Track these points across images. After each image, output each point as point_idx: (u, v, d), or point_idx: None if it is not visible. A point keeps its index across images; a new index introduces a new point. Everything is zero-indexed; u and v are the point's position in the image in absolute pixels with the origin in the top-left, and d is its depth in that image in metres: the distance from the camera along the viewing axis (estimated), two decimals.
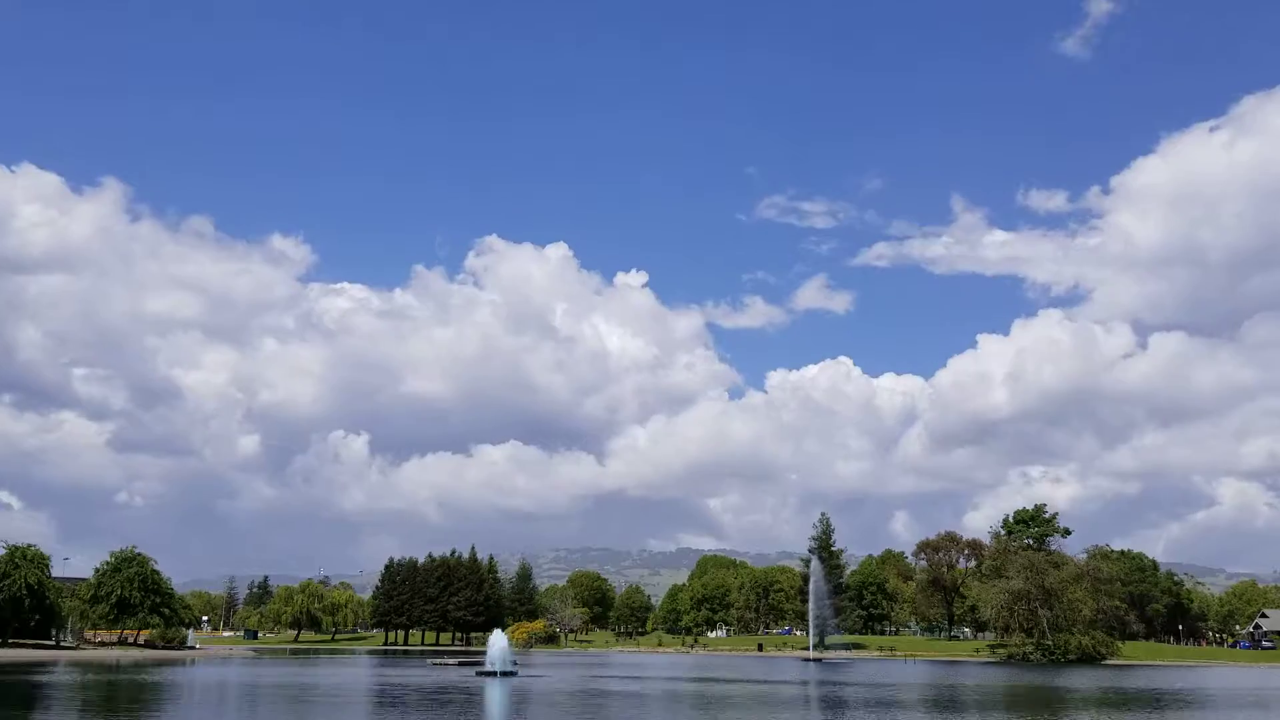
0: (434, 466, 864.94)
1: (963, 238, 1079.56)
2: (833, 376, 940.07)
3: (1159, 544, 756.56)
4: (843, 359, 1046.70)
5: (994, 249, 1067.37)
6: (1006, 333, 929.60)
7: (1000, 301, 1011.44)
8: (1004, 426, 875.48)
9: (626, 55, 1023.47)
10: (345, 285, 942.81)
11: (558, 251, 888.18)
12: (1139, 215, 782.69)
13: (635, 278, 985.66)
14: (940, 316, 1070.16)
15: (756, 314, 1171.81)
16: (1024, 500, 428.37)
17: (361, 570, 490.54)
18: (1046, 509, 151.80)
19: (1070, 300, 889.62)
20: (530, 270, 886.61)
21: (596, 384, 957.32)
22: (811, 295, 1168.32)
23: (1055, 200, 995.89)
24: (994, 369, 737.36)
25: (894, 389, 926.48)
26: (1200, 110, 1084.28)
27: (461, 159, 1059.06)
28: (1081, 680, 71.32)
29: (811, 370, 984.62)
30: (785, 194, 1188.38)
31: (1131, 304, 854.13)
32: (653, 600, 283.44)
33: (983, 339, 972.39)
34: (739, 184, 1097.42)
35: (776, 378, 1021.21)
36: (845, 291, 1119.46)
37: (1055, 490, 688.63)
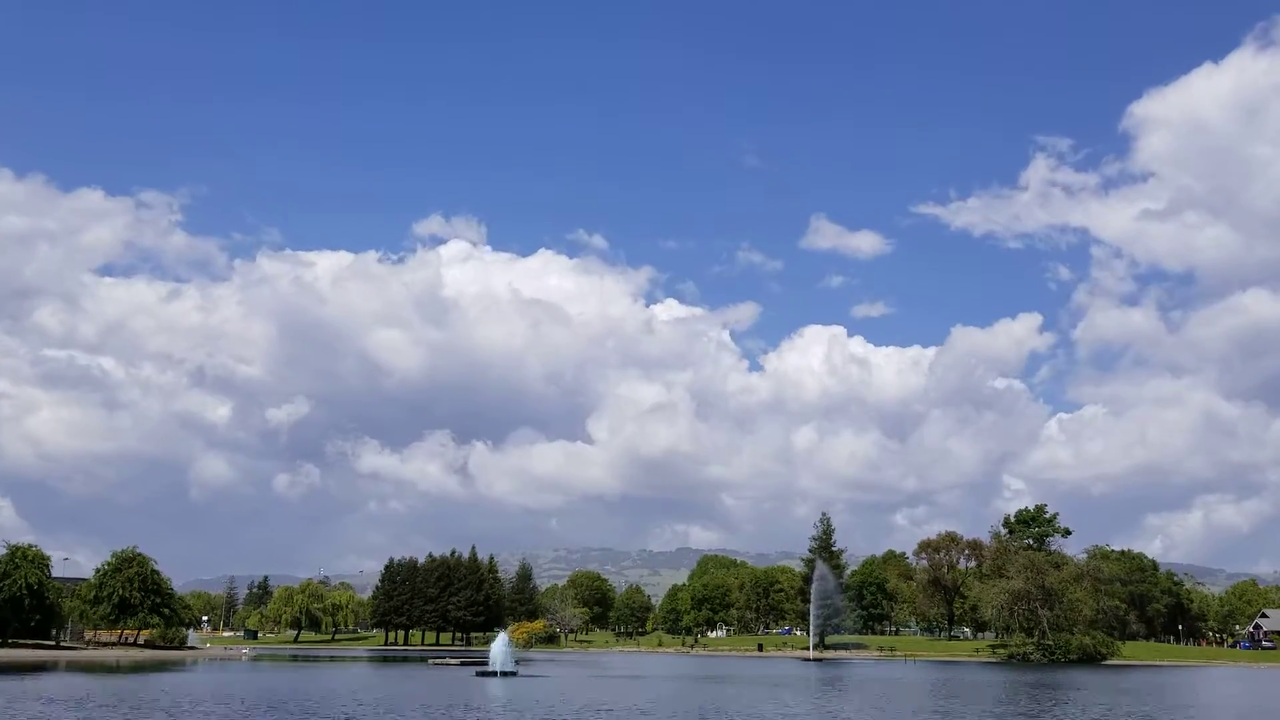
0: (421, 457, 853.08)
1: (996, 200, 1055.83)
2: (840, 350, 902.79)
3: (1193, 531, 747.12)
4: (857, 334, 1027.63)
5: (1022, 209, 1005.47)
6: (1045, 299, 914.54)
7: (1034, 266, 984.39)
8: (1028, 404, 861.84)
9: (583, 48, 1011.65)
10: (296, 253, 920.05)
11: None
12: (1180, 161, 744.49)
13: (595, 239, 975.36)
14: (970, 280, 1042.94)
15: (758, 269, 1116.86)
16: (1036, 496, 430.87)
17: (361, 570, 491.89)
18: (1047, 509, 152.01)
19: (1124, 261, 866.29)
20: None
21: (571, 365, 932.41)
22: (822, 241, 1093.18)
23: (1081, 153, 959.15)
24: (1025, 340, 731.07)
25: (907, 362, 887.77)
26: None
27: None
28: (1084, 686, 71.26)
29: (815, 345, 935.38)
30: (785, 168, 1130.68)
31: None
32: (653, 600, 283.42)
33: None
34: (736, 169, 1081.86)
35: (773, 355, 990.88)
36: (856, 255, 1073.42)
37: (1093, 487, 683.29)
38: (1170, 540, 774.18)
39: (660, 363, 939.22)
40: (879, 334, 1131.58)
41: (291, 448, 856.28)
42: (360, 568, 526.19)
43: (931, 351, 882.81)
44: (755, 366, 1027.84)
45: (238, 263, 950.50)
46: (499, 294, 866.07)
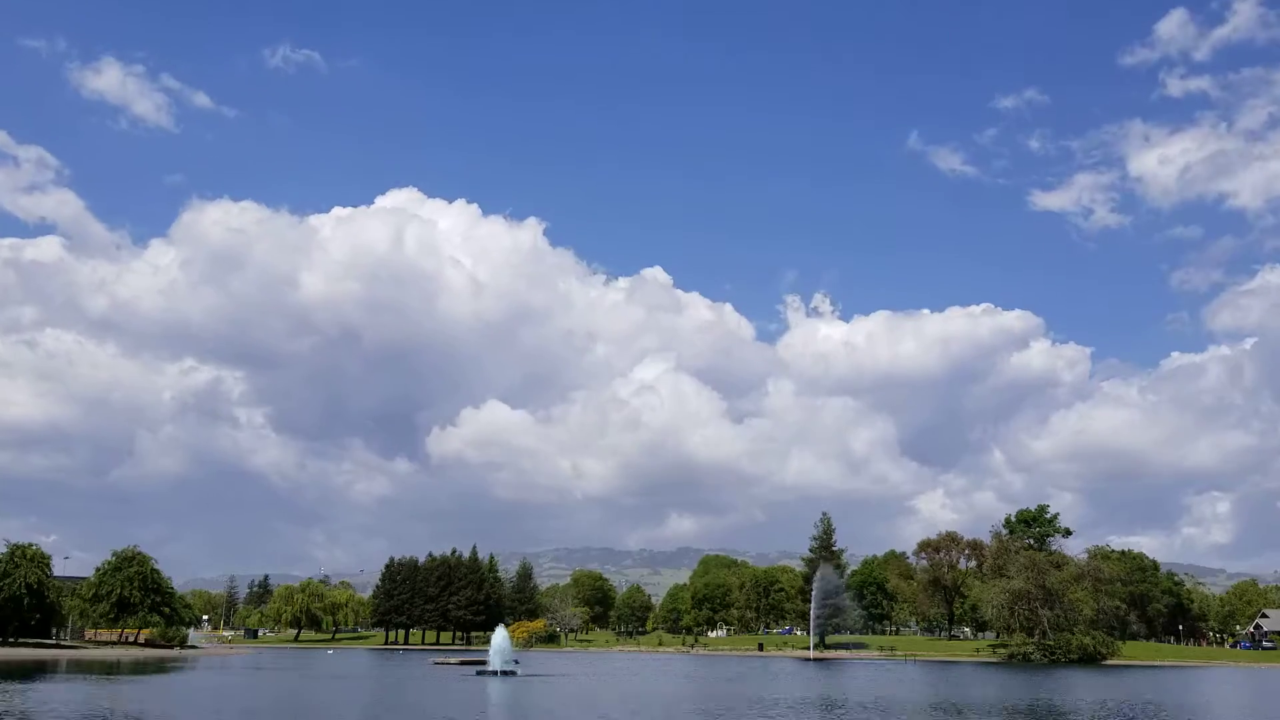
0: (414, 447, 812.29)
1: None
2: (850, 323, 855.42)
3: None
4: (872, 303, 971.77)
5: None
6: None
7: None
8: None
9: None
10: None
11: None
12: None
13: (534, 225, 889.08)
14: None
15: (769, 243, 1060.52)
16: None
17: (362, 569, 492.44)
18: (1048, 509, 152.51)
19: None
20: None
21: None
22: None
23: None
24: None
25: (922, 332, 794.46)
26: None
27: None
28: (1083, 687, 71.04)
29: (828, 326, 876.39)
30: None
31: None
32: (653, 600, 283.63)
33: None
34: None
35: (786, 336, 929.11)
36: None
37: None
38: (1209, 526, 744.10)
39: (651, 338, 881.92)
40: (893, 302, 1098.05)
41: (245, 423, 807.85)
42: (361, 566, 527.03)
43: (949, 318, 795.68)
44: (763, 338, 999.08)
45: (176, 222, 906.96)
46: (468, 265, 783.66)
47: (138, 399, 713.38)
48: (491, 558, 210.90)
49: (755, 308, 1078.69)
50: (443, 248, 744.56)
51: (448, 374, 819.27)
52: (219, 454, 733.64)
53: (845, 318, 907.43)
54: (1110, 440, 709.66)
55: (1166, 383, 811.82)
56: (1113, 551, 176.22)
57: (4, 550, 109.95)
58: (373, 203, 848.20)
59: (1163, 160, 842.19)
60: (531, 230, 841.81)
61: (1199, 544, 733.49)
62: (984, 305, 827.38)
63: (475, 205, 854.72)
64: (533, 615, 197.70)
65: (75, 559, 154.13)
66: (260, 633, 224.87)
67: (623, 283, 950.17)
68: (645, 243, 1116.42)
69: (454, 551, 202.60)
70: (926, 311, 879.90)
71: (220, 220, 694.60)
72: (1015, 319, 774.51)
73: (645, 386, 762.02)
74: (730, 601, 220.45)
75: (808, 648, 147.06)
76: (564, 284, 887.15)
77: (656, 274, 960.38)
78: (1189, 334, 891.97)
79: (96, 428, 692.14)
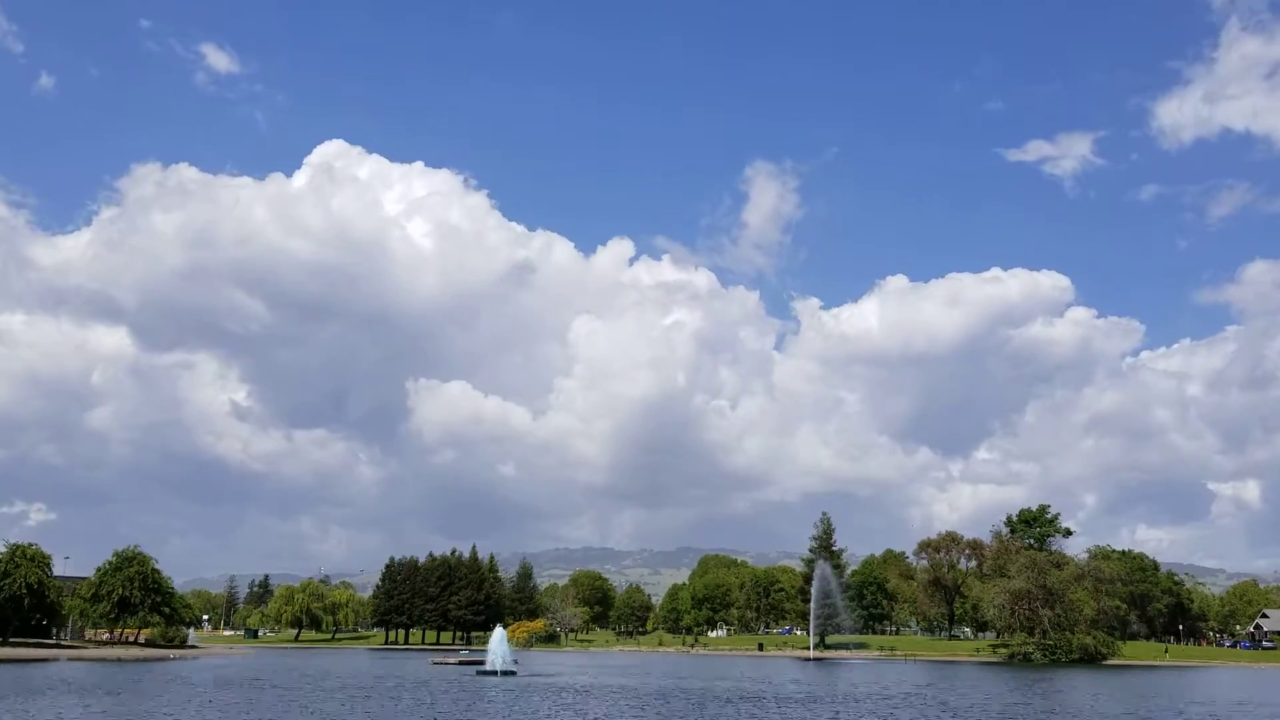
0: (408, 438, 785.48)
1: None
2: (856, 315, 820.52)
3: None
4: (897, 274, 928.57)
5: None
6: None
7: None
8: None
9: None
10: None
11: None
12: None
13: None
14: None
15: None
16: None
17: (362, 569, 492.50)
18: (1049, 509, 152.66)
19: None
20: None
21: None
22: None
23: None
24: None
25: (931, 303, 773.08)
26: None
27: None
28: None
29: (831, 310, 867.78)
30: None
31: None
32: (653, 599, 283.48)
33: None
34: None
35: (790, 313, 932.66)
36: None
37: None
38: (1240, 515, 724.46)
39: (642, 322, 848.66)
40: (917, 272, 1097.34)
41: (211, 407, 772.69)
42: (361, 566, 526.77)
43: (964, 285, 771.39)
44: (774, 312, 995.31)
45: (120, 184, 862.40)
46: (453, 241, 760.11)
47: (77, 377, 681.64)
48: (491, 558, 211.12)
49: (754, 282, 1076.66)
50: (402, 218, 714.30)
51: (428, 360, 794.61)
52: (182, 439, 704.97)
53: (853, 297, 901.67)
54: (1137, 422, 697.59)
55: (1197, 360, 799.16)
56: (1113, 551, 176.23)
57: (4, 550, 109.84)
58: (301, 162, 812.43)
59: (1190, 110, 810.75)
60: (487, 201, 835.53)
61: (1228, 533, 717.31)
62: (1007, 270, 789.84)
63: (434, 169, 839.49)
64: (533, 615, 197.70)
65: (75, 559, 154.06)
66: (260, 633, 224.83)
67: (600, 255, 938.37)
68: (613, 214, 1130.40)
69: (454, 551, 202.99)
70: (936, 280, 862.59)
71: (158, 180, 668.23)
72: (1050, 287, 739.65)
73: (636, 370, 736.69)
74: (730, 601, 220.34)
75: (808, 648, 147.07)
76: (545, 260, 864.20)
77: (625, 247, 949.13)
78: (1218, 308, 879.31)
79: (43, 410, 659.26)
